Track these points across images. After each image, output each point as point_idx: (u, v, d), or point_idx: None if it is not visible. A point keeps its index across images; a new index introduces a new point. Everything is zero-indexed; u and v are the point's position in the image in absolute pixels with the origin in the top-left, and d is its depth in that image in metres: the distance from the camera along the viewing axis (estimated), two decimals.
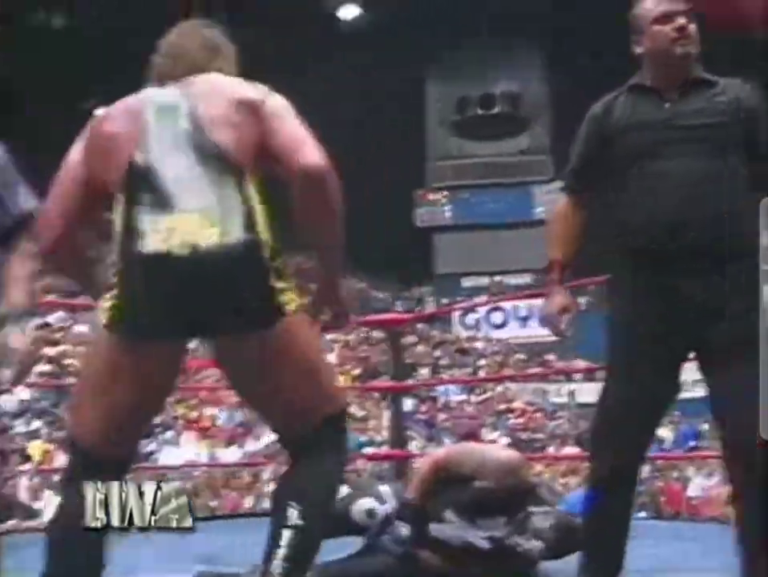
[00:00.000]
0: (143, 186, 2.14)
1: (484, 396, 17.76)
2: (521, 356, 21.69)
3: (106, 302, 2.15)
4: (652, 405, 2.65)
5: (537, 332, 23.53)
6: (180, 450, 11.81)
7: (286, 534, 2.16)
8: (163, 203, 2.11)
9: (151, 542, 2.69)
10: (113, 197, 2.18)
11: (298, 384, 2.21)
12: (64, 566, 2.19)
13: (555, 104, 25.48)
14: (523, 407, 17.97)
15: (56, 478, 7.88)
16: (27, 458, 10.23)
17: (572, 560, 2.81)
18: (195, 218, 2.09)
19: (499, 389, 18.33)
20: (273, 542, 2.17)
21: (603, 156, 2.73)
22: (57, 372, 11.77)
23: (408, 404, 17.00)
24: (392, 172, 23.37)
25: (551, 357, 21.12)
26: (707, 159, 2.56)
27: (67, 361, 12.09)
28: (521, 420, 17.23)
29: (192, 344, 2.34)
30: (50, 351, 12.46)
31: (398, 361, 5.09)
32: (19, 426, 11.05)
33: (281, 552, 2.15)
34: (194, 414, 13.21)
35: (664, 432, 14.60)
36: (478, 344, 22.68)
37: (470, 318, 23.54)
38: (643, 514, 7.73)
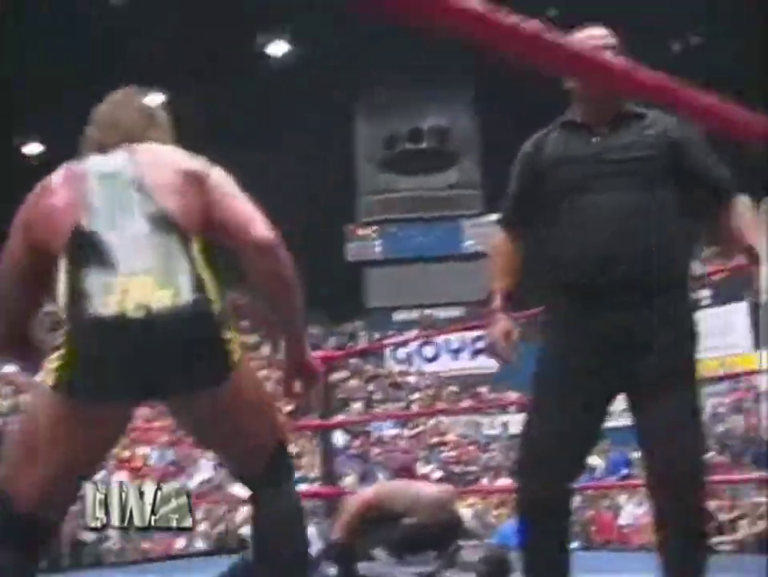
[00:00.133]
0: (89, 249, 2.15)
1: (417, 430, 17.76)
2: (454, 388, 21.74)
3: (52, 363, 2.13)
4: (582, 438, 2.67)
5: (469, 364, 23.76)
6: None
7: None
8: (112, 266, 2.12)
9: None
10: (56, 262, 2.18)
11: (250, 426, 2.27)
12: None
13: (483, 138, 25.76)
14: (456, 440, 17.99)
15: None
16: None
17: None
18: (147, 280, 2.11)
19: (432, 422, 18.34)
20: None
21: (535, 192, 2.75)
22: None
23: (341, 439, 16.94)
24: (322, 208, 23.40)
25: (483, 389, 21.21)
26: (636, 193, 2.59)
27: None
28: (454, 453, 17.25)
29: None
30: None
31: (326, 398, 5.08)
32: None
33: None
34: (126, 453, 13.01)
35: (596, 460, 14.73)
36: (411, 378, 22.69)
37: (402, 352, 23.57)
38: (574, 544, 7.78)
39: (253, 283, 2.26)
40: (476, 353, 23.16)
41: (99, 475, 11.98)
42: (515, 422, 18.19)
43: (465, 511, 9.26)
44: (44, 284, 2.29)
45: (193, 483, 13.18)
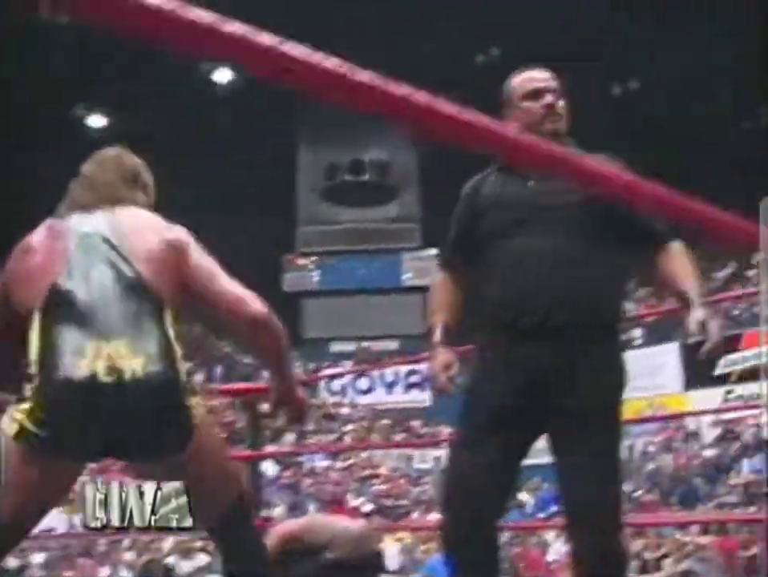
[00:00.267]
0: (64, 308, 2.21)
1: (349, 462, 17.70)
2: (387, 421, 21.72)
3: (17, 413, 2.17)
4: (505, 475, 2.68)
5: (402, 397, 23.76)
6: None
7: None
8: (86, 327, 2.18)
9: None
10: (31, 317, 2.24)
11: (209, 481, 2.40)
12: None
13: (423, 173, 25.94)
14: (387, 473, 17.95)
15: None
16: None
17: None
18: (119, 345, 2.17)
19: (364, 454, 18.29)
20: None
21: (473, 233, 2.77)
22: None
23: (272, 470, 16.80)
24: (261, 237, 23.34)
25: (416, 422, 21.21)
26: (565, 237, 2.60)
27: None
28: (386, 486, 17.20)
29: None
30: None
31: (254, 429, 5.04)
32: None
33: None
34: None
35: (525, 496, 14.80)
36: (345, 410, 22.62)
37: (337, 384, 23.49)
38: None
39: (248, 347, 2.44)
40: (410, 386, 23.19)
41: None
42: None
43: (393, 546, 9.24)
44: (18, 340, 2.31)
45: None
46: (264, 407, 3.95)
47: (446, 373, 2.73)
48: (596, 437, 2.56)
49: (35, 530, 2.42)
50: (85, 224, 2.36)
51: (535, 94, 2.73)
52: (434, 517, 14.59)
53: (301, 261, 26.96)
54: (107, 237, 2.32)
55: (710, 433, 17.59)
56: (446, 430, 16.57)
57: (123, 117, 23.22)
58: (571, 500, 2.61)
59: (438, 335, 2.79)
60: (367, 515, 14.63)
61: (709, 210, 1.11)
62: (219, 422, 17.63)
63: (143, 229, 2.37)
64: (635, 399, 18.92)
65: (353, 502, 15.34)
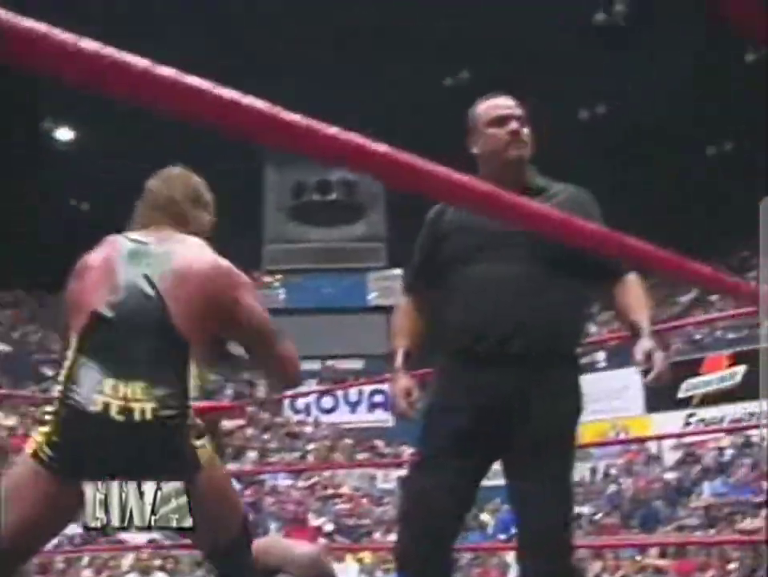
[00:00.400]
0: (97, 340, 2.34)
1: (311, 481, 17.63)
2: (349, 441, 21.67)
3: (38, 434, 2.32)
4: (461, 498, 2.69)
5: (367, 417, 23.73)
6: None
7: None
8: (110, 363, 2.30)
9: None
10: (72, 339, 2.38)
11: (215, 513, 2.48)
12: None
13: (389, 193, 25.99)
14: (350, 493, 17.90)
15: None
16: None
17: None
18: (136, 386, 2.29)
19: (327, 474, 18.24)
20: None
21: (435, 258, 2.79)
22: None
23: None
24: (227, 254, 23.24)
25: (379, 442, 21.18)
26: (526, 264, 2.62)
27: None
28: (348, 505, 17.15)
29: None
30: None
31: (216, 447, 5.02)
32: None
33: None
34: None
35: (486, 517, 14.82)
36: (308, 428, 22.55)
37: (301, 402, 23.43)
38: None
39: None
40: (374, 406, 23.17)
41: None
42: None
43: (354, 566, 9.22)
44: None
45: (79, 529, 12.83)
46: (227, 425, 3.96)
47: (406, 399, 2.74)
48: (549, 464, 2.59)
49: None
50: (136, 256, 2.46)
51: (500, 120, 2.75)
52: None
53: (267, 279, 26.91)
54: (150, 274, 2.41)
55: (671, 456, 17.71)
56: (408, 451, 16.57)
57: (89, 131, 23.20)
58: (522, 525, 2.64)
59: (399, 360, 2.81)
60: (329, 535, 14.58)
61: (647, 248, 1.14)
62: None
63: (190, 267, 2.45)
64: (598, 421, 19.07)
65: (314, 521, 15.28)
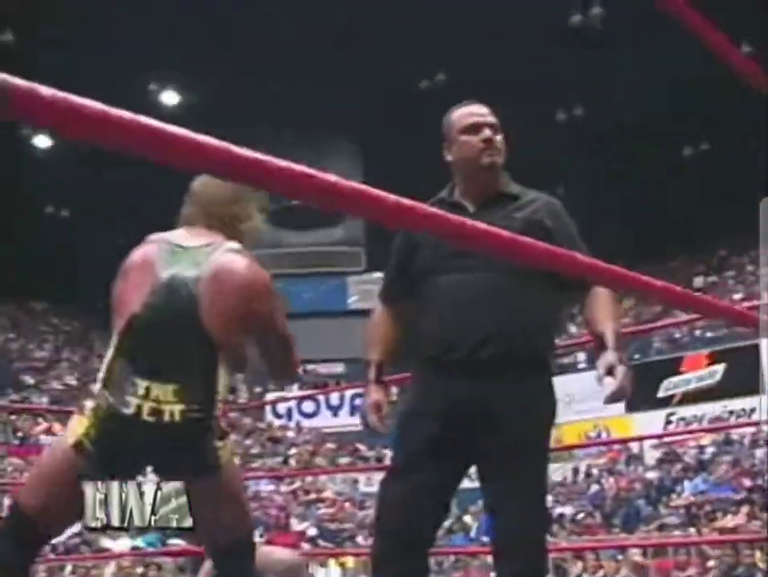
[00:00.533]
0: (134, 342, 2.46)
1: (294, 486, 17.61)
2: (331, 445, 21.67)
3: (80, 423, 2.46)
4: (436, 503, 2.70)
5: (348, 421, 23.72)
6: None
7: None
8: (145, 365, 2.41)
9: None
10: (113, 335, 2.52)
11: (226, 514, 2.58)
12: None
13: None
14: (333, 497, 17.89)
15: None
16: None
17: None
18: (167, 389, 2.40)
19: (309, 478, 18.22)
20: None
21: (409, 266, 2.80)
22: None
23: None
24: None
25: (361, 446, 21.20)
26: (498, 273, 2.61)
27: None
28: (331, 510, 17.14)
29: None
30: None
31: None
32: None
33: None
34: None
35: (469, 520, 14.85)
36: (290, 433, 22.54)
37: (282, 406, 23.41)
38: None
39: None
40: (355, 409, 23.15)
41: None
42: None
43: (336, 570, 9.22)
44: None
45: (62, 537, 12.76)
46: None
47: (377, 414, 2.76)
48: (523, 469, 2.61)
49: None
50: (175, 258, 2.55)
51: (474, 128, 2.76)
52: None
53: None
54: (187, 277, 2.50)
55: (652, 455, 17.79)
56: (390, 453, 16.55)
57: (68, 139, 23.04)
58: (497, 529, 2.65)
59: (371, 373, 2.83)
60: (312, 539, 14.56)
61: (600, 267, 1.16)
62: None
63: (226, 272, 2.53)
64: (579, 421, 19.15)
65: (297, 526, 15.26)
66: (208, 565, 3.42)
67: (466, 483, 2.78)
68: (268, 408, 23.39)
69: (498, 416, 2.59)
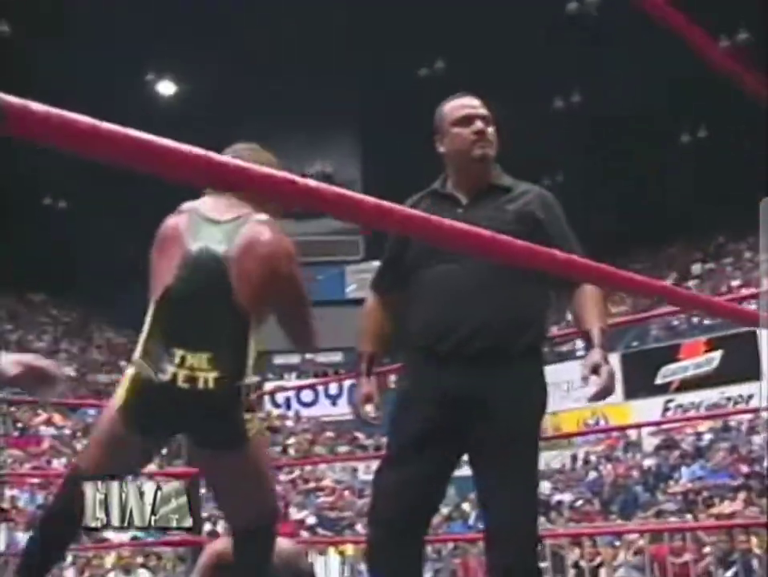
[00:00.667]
0: (170, 312, 2.59)
1: (293, 475, 17.66)
2: (330, 433, 21.72)
3: (122, 390, 2.62)
4: (429, 492, 2.72)
5: (347, 410, 23.67)
6: None
7: None
8: (180, 335, 2.53)
9: None
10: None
11: (252, 491, 2.70)
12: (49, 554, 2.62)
13: (366, 186, 26.03)
14: (332, 486, 17.94)
15: None
16: None
17: None
18: (202, 357, 2.52)
19: (308, 467, 18.27)
20: None
21: (402, 257, 2.81)
22: None
23: None
24: None
25: (360, 434, 21.24)
26: (488, 266, 2.60)
27: None
28: (330, 498, 17.19)
29: None
30: None
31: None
32: None
33: None
34: None
35: (468, 507, 14.89)
36: (289, 422, 22.58)
37: (281, 396, 23.45)
38: None
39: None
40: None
41: None
42: None
43: (335, 558, 9.26)
44: None
45: None
46: None
47: (367, 406, 2.80)
48: (514, 458, 2.62)
49: None
50: (205, 229, 2.67)
51: (466, 120, 2.78)
52: None
53: None
54: (217, 248, 2.62)
55: (650, 442, 17.85)
56: (383, 441, 16.56)
57: None
58: (488, 519, 2.68)
59: (363, 365, 2.86)
60: (311, 528, 14.62)
61: (581, 264, 1.19)
62: None
63: (255, 243, 2.66)
64: (578, 409, 19.20)
65: (297, 514, 15.31)
66: (205, 555, 3.44)
67: (464, 471, 2.80)
68: (266, 397, 23.42)
69: (489, 406, 2.61)
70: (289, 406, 23.70)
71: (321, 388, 23.37)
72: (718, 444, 16.14)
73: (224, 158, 0.92)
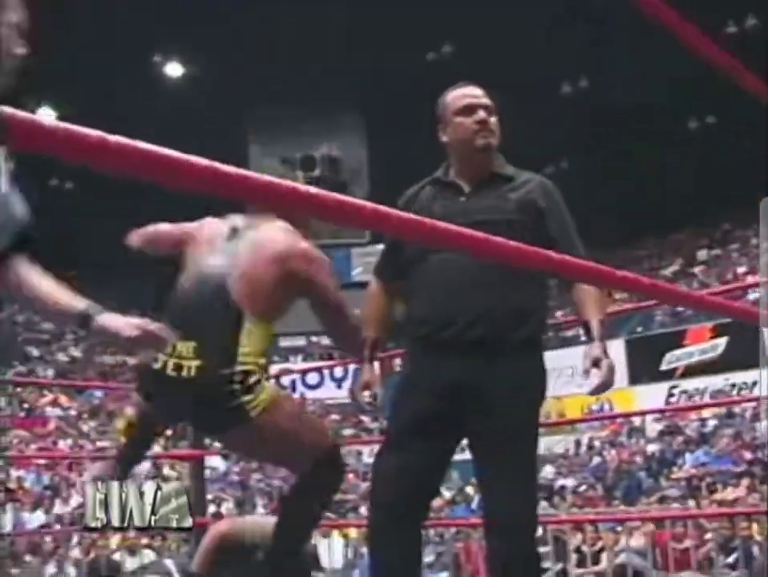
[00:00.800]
0: (172, 304, 2.78)
1: None
2: (335, 416, 21.76)
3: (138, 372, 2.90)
4: (428, 477, 2.77)
5: None
6: None
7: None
8: (175, 324, 2.54)
9: None
10: None
11: (284, 455, 2.88)
12: None
13: (372, 169, 26.02)
14: None
15: None
16: None
17: None
18: (190, 346, 2.64)
19: None
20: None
21: (403, 246, 2.83)
22: None
23: (221, 465, 16.80)
24: None
25: (365, 417, 21.28)
26: None
27: None
28: None
29: None
30: None
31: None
32: None
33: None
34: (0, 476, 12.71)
35: (471, 491, 14.92)
36: None
37: (286, 379, 23.48)
38: (445, 574, 7.91)
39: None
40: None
41: None
42: None
43: (339, 541, 9.30)
44: None
45: (68, 508, 12.90)
46: None
47: (367, 393, 2.83)
48: (513, 447, 2.65)
49: None
50: (232, 237, 2.86)
51: (468, 109, 2.80)
52: None
53: None
54: (223, 273, 2.75)
55: (654, 428, 17.86)
56: None
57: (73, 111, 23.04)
58: (487, 506, 2.71)
59: (366, 352, 2.89)
60: None
61: (570, 262, 1.21)
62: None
63: (264, 245, 2.79)
64: (582, 394, 19.20)
65: None
66: (209, 536, 3.47)
67: (468, 455, 2.81)
68: (272, 380, 23.44)
69: (488, 395, 2.64)
70: (294, 389, 23.75)
71: (326, 371, 23.39)
72: (722, 430, 16.15)
73: (229, 168, 0.94)
